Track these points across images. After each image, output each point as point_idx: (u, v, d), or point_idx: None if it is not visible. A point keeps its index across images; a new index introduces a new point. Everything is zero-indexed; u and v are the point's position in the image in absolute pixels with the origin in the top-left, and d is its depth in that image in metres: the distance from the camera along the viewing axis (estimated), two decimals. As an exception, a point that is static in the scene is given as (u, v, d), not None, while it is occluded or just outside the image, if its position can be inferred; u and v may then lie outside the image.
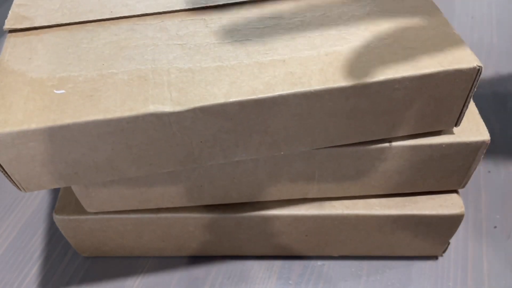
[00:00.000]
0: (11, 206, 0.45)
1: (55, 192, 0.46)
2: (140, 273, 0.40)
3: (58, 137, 0.25)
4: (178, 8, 0.31)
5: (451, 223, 0.35)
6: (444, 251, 0.39)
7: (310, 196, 0.35)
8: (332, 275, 0.39)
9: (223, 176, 0.32)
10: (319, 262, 0.40)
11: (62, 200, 0.37)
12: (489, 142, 0.30)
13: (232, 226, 0.36)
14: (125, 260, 0.40)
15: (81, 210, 0.36)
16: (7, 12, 0.31)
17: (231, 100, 0.25)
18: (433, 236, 0.36)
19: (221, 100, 0.25)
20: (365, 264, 0.39)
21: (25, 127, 0.25)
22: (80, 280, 0.39)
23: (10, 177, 0.27)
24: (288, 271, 0.39)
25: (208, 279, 0.39)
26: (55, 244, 0.42)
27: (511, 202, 0.43)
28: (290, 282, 0.39)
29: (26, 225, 0.43)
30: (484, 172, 0.44)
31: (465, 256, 0.39)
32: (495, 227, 0.41)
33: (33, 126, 0.25)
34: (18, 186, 0.28)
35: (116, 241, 0.38)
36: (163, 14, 0.30)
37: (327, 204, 0.35)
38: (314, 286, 0.38)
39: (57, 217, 0.36)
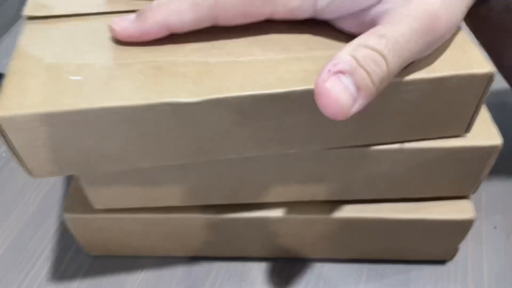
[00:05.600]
0: (11, 205, 0.44)
1: (57, 191, 0.46)
2: (141, 272, 0.39)
3: (72, 122, 0.25)
4: None
5: (461, 228, 0.35)
6: (453, 256, 0.38)
7: (318, 198, 0.34)
8: (332, 276, 0.38)
9: (231, 174, 0.32)
10: (319, 263, 0.39)
11: (71, 199, 0.37)
12: (502, 147, 0.30)
13: (241, 227, 0.36)
14: (125, 260, 0.40)
15: (90, 209, 0.35)
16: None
17: (246, 93, 0.25)
18: (443, 241, 0.36)
19: (235, 93, 0.25)
20: (365, 265, 0.39)
21: (40, 110, 0.25)
22: (81, 280, 0.39)
23: (21, 161, 0.27)
24: (288, 271, 0.39)
25: (208, 279, 0.39)
26: (56, 243, 0.41)
27: (511, 202, 0.43)
28: (290, 282, 0.38)
29: (27, 225, 0.43)
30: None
31: (465, 256, 0.39)
32: (495, 227, 0.41)
33: (48, 109, 0.25)
34: (28, 171, 0.28)
35: (124, 240, 0.38)
36: None
37: (336, 207, 0.35)
38: (314, 287, 0.38)
39: (66, 216, 0.36)
